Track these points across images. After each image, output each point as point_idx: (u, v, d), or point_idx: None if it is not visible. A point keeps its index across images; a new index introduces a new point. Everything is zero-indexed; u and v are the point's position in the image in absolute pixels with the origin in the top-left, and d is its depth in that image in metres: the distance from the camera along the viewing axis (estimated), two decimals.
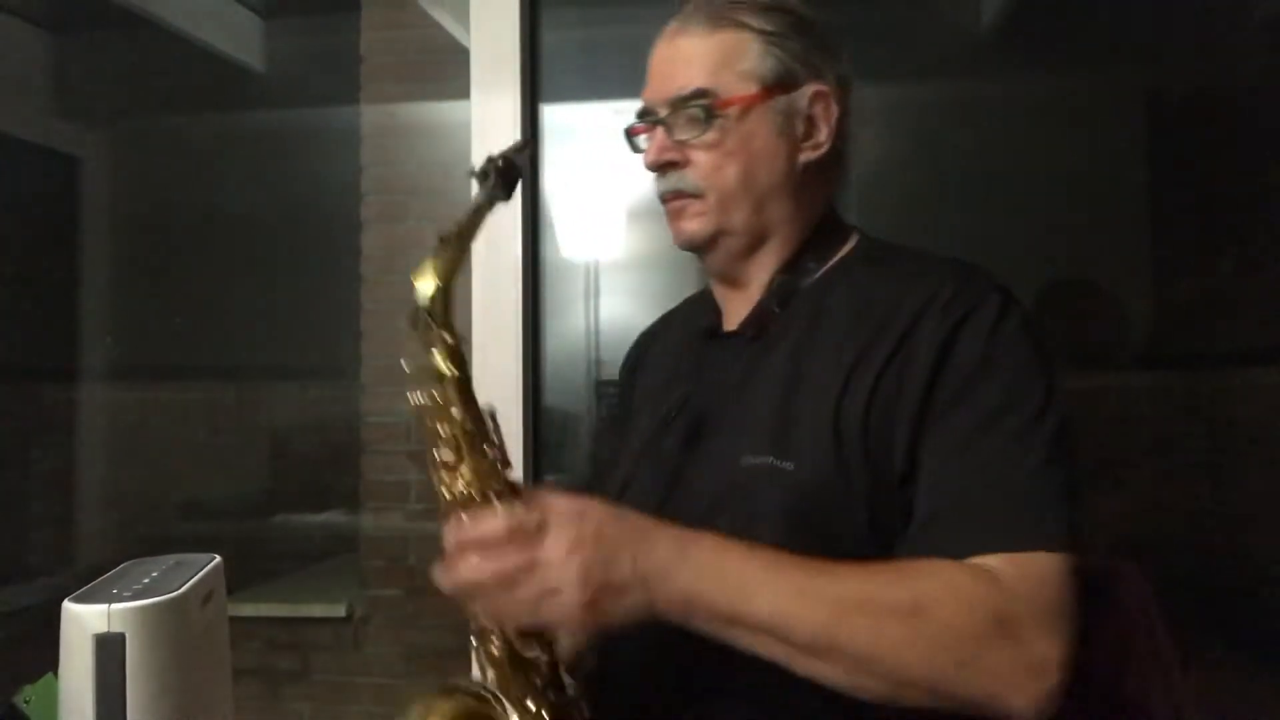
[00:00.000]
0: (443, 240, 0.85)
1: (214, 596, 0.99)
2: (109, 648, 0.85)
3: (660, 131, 1.01)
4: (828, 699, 0.85)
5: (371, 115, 2.72)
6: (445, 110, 2.59)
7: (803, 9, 1.03)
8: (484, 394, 0.86)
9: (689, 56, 1.00)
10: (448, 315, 0.83)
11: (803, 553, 0.82)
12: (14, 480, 2.85)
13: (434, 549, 0.81)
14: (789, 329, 0.99)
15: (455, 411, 0.84)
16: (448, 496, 0.84)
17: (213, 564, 1.01)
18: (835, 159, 1.04)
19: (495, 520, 0.78)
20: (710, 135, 0.98)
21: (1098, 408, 1.66)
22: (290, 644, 2.75)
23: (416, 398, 0.85)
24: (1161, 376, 1.71)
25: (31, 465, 2.91)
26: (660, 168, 1.02)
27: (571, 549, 0.76)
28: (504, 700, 0.86)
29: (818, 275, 1.02)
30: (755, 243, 1.03)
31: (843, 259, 1.04)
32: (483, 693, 0.87)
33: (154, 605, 0.87)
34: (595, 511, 0.79)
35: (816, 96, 1.00)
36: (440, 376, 0.84)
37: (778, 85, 0.99)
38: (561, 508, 0.79)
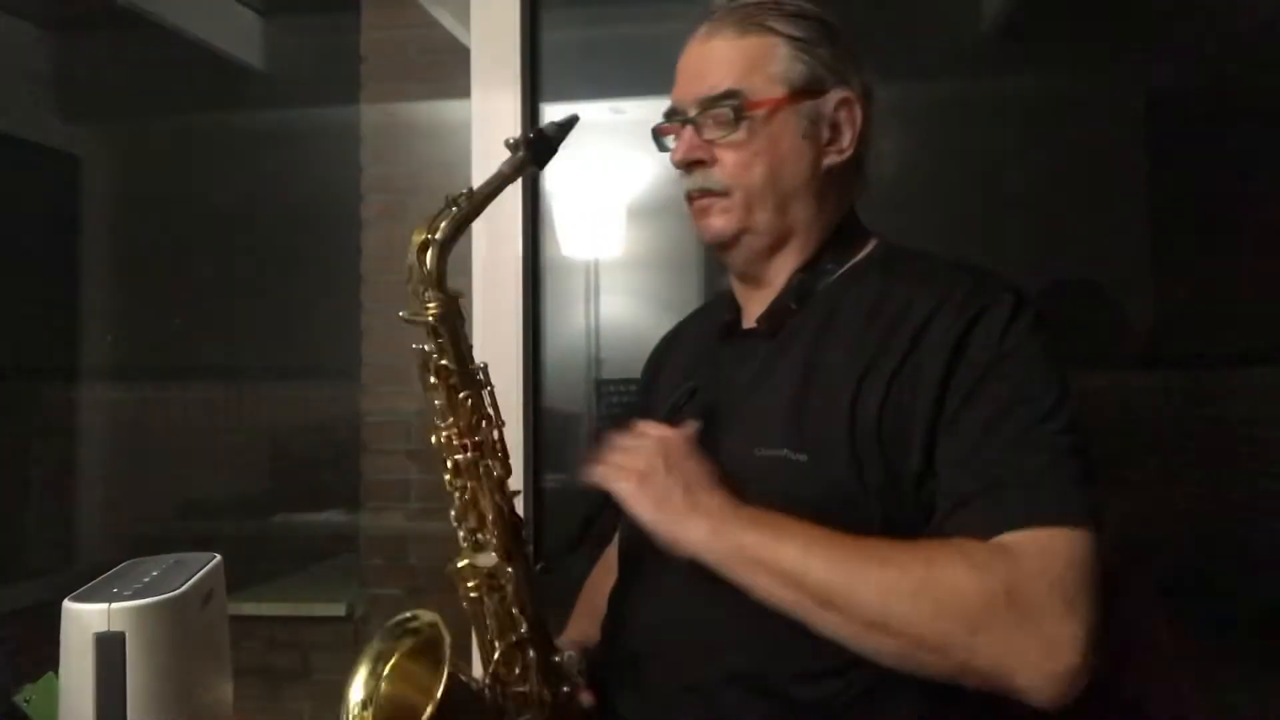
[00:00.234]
0: (453, 201, 0.93)
1: (214, 596, 0.99)
2: (109, 647, 0.85)
3: (689, 130, 1.03)
4: (834, 691, 0.86)
5: (372, 115, 2.71)
6: (445, 110, 2.58)
7: (831, 17, 1.05)
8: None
9: (719, 59, 1.02)
10: (439, 271, 0.92)
11: None
12: (14, 480, 2.85)
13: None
14: (805, 327, 1.01)
15: (447, 362, 0.94)
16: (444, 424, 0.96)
17: (213, 563, 1.01)
18: (857, 165, 1.06)
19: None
20: (738, 135, 1.00)
21: (1098, 408, 1.66)
22: (290, 643, 2.74)
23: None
24: (1161, 376, 1.71)
25: (31, 465, 2.91)
26: (688, 165, 1.04)
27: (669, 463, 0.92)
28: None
29: (836, 276, 1.04)
30: (777, 242, 1.05)
31: (861, 262, 1.06)
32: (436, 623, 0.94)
33: (154, 604, 0.88)
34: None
35: (842, 103, 1.03)
36: (430, 331, 0.93)
37: (805, 90, 1.01)
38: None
